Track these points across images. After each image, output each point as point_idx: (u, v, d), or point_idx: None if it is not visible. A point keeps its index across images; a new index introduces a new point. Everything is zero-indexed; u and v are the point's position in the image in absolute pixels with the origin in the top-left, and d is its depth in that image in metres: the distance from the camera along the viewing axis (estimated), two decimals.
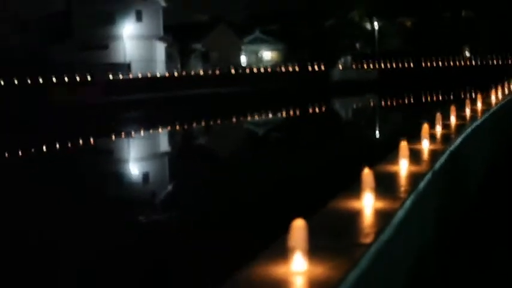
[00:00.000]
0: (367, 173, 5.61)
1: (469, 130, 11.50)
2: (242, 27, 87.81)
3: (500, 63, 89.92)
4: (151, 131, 40.43)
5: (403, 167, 7.51)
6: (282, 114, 50.61)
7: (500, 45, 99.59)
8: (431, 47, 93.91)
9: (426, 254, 7.54)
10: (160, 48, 68.28)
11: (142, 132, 39.58)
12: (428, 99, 58.77)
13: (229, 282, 4.27)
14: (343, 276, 4.27)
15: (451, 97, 53.00)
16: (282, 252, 4.32)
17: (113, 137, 37.10)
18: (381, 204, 5.87)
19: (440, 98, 57.57)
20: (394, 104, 59.05)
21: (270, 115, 50.01)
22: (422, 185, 7.21)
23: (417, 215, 6.95)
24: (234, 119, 47.51)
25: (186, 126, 43.11)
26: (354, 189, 6.17)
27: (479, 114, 14.28)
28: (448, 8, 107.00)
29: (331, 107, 58.61)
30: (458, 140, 10.42)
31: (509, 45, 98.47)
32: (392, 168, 7.66)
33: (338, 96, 65.21)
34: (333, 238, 4.99)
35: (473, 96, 15.99)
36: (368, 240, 4.98)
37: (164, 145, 35.81)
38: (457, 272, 7.87)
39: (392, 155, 8.09)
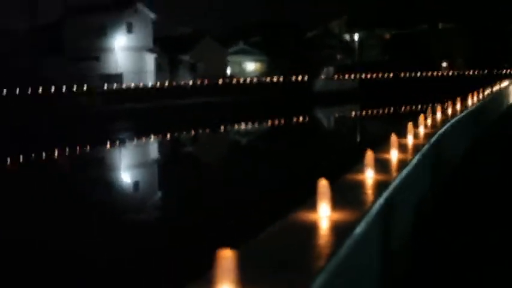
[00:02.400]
0: (323, 184, 5.24)
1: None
2: (225, 39, 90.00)
3: (476, 74, 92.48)
4: (150, 138, 42.32)
5: (368, 176, 7.18)
6: (266, 123, 52.07)
7: (477, 56, 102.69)
8: (410, 59, 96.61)
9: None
10: (150, 59, 70.32)
11: (143, 140, 41.46)
12: (406, 108, 60.77)
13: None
14: None
15: (425, 106, 55.16)
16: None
17: (115, 144, 39.01)
18: (338, 216, 5.39)
19: (416, 107, 59.51)
20: (374, 113, 61.38)
21: (256, 124, 51.67)
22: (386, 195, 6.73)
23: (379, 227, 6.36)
24: (222, 128, 49.38)
25: (176, 135, 44.60)
26: (311, 202, 5.60)
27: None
28: (424, 21, 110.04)
29: (314, 117, 60.35)
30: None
31: (485, 57, 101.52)
32: (357, 177, 7.24)
33: (321, 106, 67.19)
34: (275, 265, 4.26)
35: (446, 104, 18.05)
36: (319, 264, 4.31)
37: (156, 152, 37.53)
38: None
39: (359, 164, 7.63)
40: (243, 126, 50.64)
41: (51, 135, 41.87)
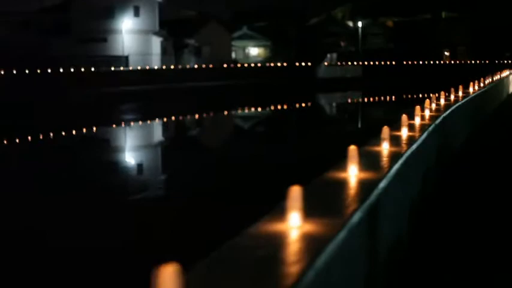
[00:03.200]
0: (295, 190, 4.26)
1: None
2: (229, 24, 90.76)
3: (478, 63, 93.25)
4: (159, 119, 43.14)
5: (352, 174, 6.26)
6: (270, 108, 52.68)
7: (479, 45, 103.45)
8: (412, 46, 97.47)
9: None
10: (156, 42, 71.19)
11: (153, 121, 42.34)
12: (408, 95, 61.54)
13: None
14: None
15: (427, 94, 55.94)
16: None
17: (122, 124, 39.84)
18: (311, 227, 4.36)
19: (418, 94, 60.10)
20: (376, 100, 62.21)
21: (259, 109, 52.13)
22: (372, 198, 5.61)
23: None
24: (225, 112, 50.20)
25: (182, 117, 45.34)
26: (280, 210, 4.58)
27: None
28: (428, 9, 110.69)
29: (317, 102, 60.95)
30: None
31: (487, 45, 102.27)
32: (342, 175, 6.23)
33: (324, 91, 67.80)
34: None
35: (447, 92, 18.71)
36: None
37: (160, 134, 38.24)
38: None
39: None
40: (246, 110, 51.41)
41: (61, 114, 42.70)
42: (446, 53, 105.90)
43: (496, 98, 31.19)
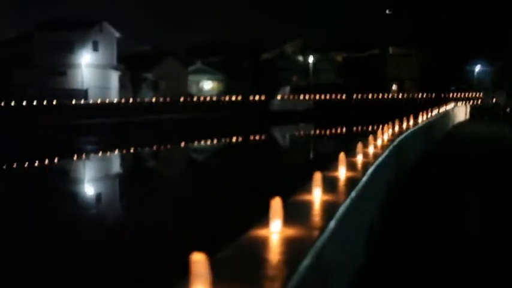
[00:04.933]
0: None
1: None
2: (183, 58, 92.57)
3: (424, 96, 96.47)
4: (113, 151, 44.45)
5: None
6: (225, 140, 54.09)
7: (425, 79, 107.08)
8: (362, 81, 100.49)
9: None
10: (114, 76, 72.77)
11: (107, 153, 43.67)
12: (358, 128, 63.59)
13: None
14: None
15: (375, 127, 58.35)
16: None
17: (82, 156, 41.11)
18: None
19: (367, 127, 61.66)
20: (327, 132, 64.55)
21: (215, 141, 53.45)
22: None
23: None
24: (182, 143, 51.26)
25: (139, 149, 46.67)
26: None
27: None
28: (375, 45, 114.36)
29: (270, 135, 62.30)
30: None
31: (434, 79, 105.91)
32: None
33: (277, 124, 69.58)
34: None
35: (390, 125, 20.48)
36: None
37: (118, 166, 39.32)
38: None
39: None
40: (202, 142, 52.69)
41: (21, 146, 43.80)
42: (394, 87, 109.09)
43: (442, 129, 33.74)
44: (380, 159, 10.62)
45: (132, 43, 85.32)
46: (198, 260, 3.32)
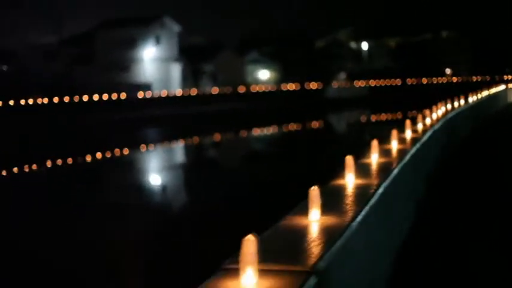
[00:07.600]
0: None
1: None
2: (238, 49, 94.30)
3: (478, 79, 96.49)
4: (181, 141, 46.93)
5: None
6: (285, 128, 55.29)
7: (479, 63, 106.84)
8: (416, 66, 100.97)
9: None
10: (176, 69, 75.63)
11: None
12: (413, 112, 64.27)
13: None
14: None
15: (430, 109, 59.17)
16: None
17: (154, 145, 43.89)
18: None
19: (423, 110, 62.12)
20: (384, 117, 65.50)
21: (275, 129, 54.68)
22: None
23: None
24: (244, 132, 52.54)
25: (203, 139, 48.37)
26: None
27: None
28: (428, 29, 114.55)
29: (328, 122, 63.04)
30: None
31: (487, 63, 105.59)
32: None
33: (334, 111, 70.84)
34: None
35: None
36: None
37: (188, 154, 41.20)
38: None
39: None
40: (264, 131, 53.99)
41: (92, 139, 45.56)
42: (448, 71, 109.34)
43: (492, 107, 35.60)
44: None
45: (186, 35, 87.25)
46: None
